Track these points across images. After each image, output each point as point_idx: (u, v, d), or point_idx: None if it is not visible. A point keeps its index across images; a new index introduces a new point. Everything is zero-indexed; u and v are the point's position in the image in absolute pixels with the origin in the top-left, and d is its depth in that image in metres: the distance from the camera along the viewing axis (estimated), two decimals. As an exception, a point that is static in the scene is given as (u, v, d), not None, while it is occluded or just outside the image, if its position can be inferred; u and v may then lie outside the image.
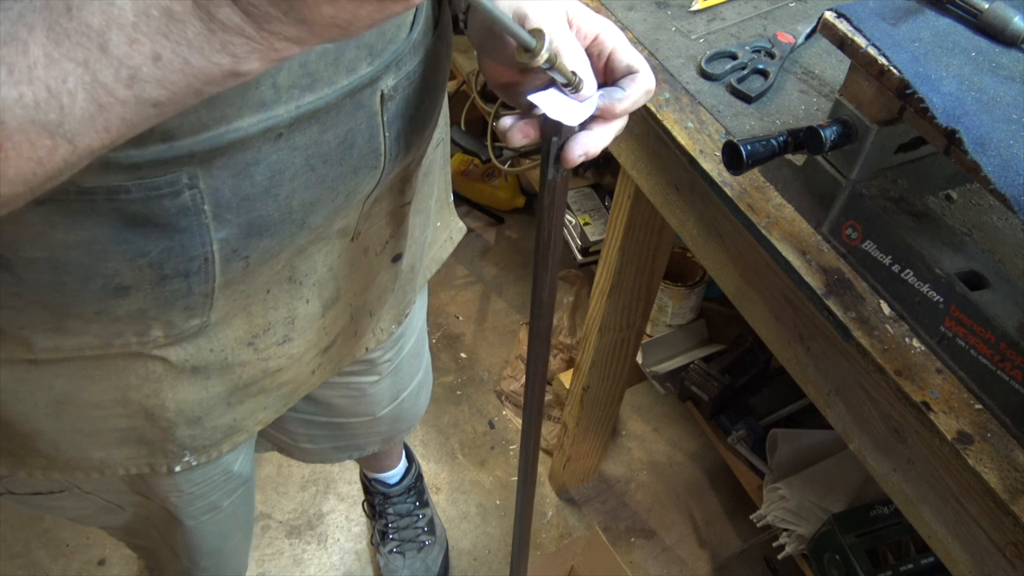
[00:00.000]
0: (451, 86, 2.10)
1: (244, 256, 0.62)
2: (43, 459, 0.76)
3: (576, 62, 0.54)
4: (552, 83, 0.55)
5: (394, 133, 0.66)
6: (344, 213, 0.69)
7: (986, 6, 0.73)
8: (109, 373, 0.69)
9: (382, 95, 0.62)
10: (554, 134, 0.57)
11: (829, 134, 0.75)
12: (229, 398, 0.77)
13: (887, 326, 0.76)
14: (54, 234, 0.54)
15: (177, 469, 0.81)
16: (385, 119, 0.64)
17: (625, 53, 0.59)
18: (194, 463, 0.81)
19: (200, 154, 0.53)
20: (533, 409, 0.82)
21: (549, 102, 0.54)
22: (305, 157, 0.59)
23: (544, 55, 0.50)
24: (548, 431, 1.84)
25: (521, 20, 0.55)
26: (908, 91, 0.68)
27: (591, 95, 0.56)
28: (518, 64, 0.52)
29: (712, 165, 0.88)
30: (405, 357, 1.08)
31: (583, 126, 0.57)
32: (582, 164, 2.00)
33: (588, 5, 1.05)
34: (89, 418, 0.72)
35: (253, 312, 0.71)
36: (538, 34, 0.50)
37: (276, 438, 1.13)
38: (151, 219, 0.55)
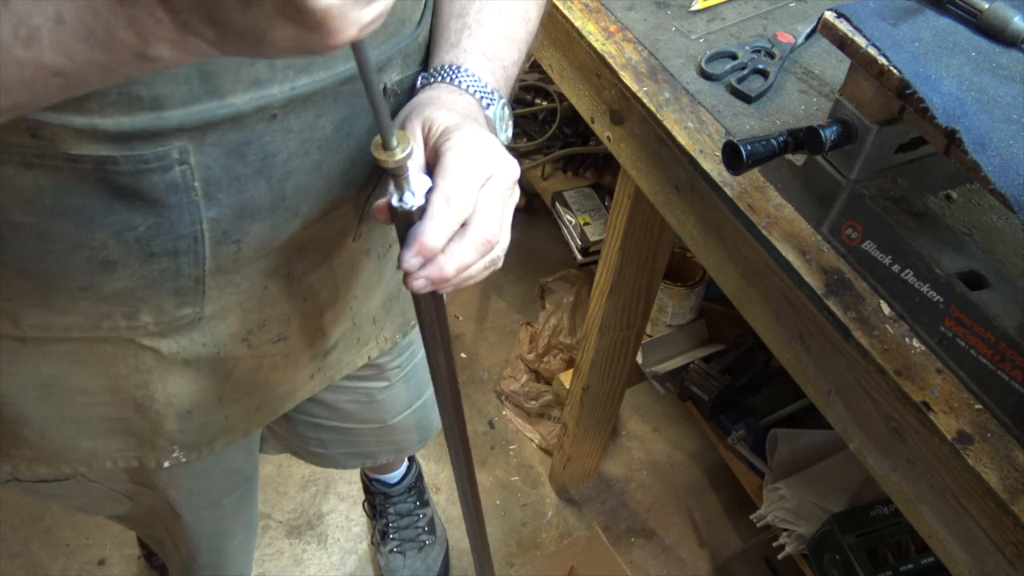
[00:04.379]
0: (451, 86, 2.10)
1: (235, 240, 0.61)
2: (30, 450, 0.76)
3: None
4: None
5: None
6: (342, 208, 0.69)
7: (986, 6, 0.73)
8: (98, 360, 0.68)
9: (385, 89, 0.62)
10: (405, 227, 0.53)
11: (829, 134, 0.75)
12: (221, 394, 0.77)
13: (887, 326, 0.76)
14: (42, 199, 0.53)
15: (166, 464, 0.80)
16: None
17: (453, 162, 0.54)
18: (183, 459, 0.81)
19: (191, 128, 0.52)
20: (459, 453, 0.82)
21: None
22: (299, 141, 0.59)
23: (400, 157, 0.49)
24: (548, 431, 1.84)
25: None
26: (908, 91, 0.68)
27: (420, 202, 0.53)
28: (372, 156, 0.50)
29: (712, 165, 0.88)
30: (418, 364, 1.06)
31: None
32: (582, 164, 1.96)
33: (588, 5, 1.05)
34: (77, 404, 0.72)
35: (248, 308, 0.71)
36: (403, 139, 0.49)
37: (287, 440, 1.12)
38: (140, 193, 0.54)
